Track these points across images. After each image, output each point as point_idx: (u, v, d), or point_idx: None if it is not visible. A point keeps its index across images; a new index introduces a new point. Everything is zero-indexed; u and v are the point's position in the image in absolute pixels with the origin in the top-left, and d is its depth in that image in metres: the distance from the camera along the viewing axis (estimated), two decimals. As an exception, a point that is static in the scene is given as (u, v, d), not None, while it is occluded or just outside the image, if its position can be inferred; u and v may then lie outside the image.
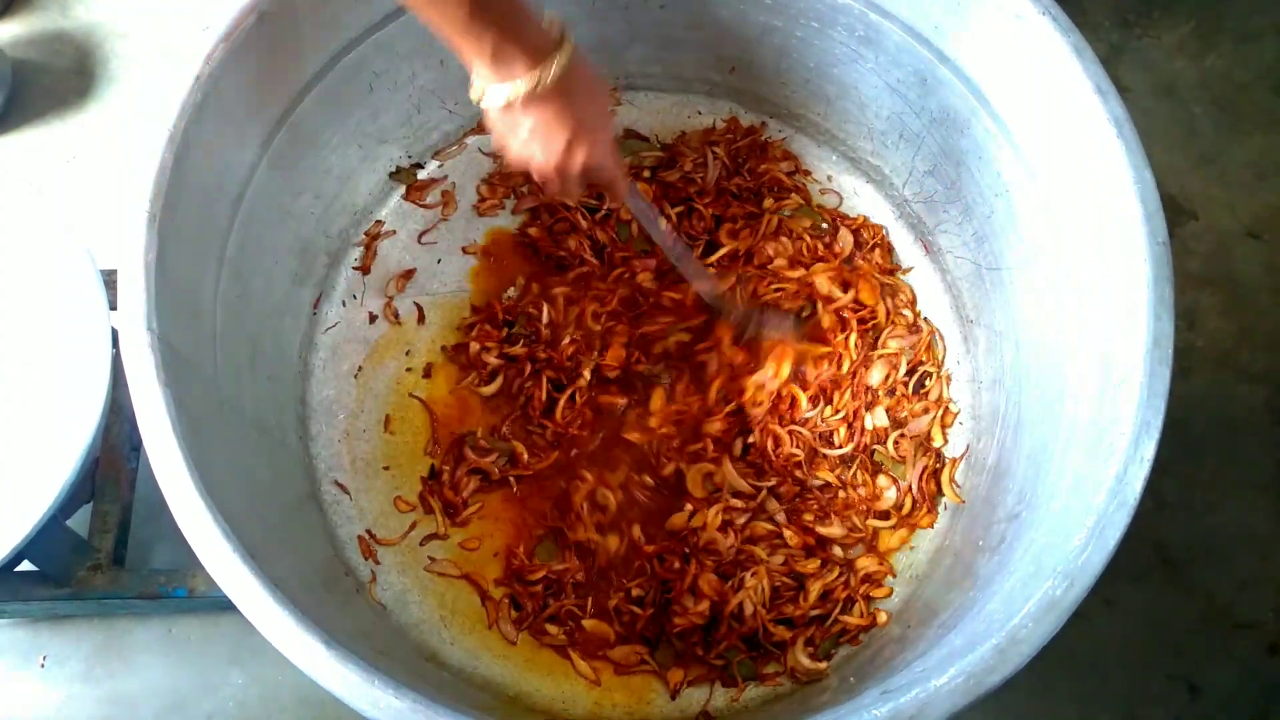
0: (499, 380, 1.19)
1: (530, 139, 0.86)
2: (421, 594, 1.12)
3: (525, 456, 1.15)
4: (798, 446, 1.15)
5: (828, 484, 1.15)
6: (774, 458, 1.15)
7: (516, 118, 0.84)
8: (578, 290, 1.23)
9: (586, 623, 1.09)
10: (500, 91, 0.82)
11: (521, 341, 1.20)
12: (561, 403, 1.16)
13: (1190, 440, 1.44)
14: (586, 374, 1.17)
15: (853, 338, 1.19)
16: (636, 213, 1.08)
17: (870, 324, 1.21)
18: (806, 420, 1.16)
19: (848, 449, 1.16)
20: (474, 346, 1.20)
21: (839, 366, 1.18)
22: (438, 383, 1.21)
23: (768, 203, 1.27)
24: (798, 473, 1.14)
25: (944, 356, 1.22)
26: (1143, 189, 0.89)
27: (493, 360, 1.19)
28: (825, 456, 1.16)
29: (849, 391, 1.18)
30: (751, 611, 1.08)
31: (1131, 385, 0.84)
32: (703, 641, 1.08)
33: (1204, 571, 1.38)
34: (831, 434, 1.16)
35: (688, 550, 1.11)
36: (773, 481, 1.14)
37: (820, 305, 1.21)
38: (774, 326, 1.19)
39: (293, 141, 1.07)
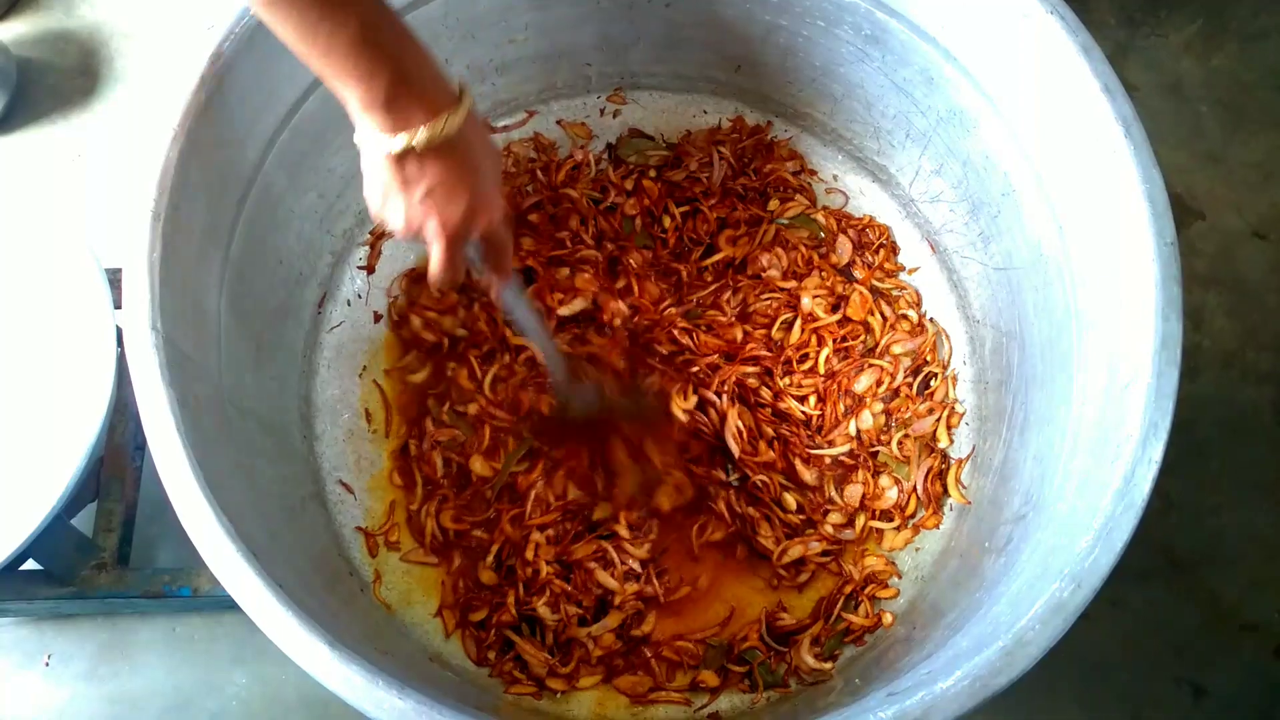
0: (427, 369, 1.19)
1: (427, 198, 0.75)
2: (425, 594, 1.11)
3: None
4: (775, 451, 1.15)
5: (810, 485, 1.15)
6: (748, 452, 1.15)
7: (411, 173, 0.74)
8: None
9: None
10: (396, 140, 0.71)
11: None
12: (488, 378, 1.16)
13: (1196, 441, 1.44)
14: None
15: (825, 352, 1.19)
16: (510, 304, 0.98)
17: (859, 339, 1.20)
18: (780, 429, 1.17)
19: (837, 451, 1.15)
20: (416, 321, 1.20)
21: (819, 377, 1.19)
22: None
23: (773, 204, 1.26)
24: (773, 475, 1.15)
25: (949, 357, 1.21)
26: (1150, 189, 0.88)
27: (429, 336, 1.20)
28: (808, 460, 1.15)
29: (830, 400, 1.17)
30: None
31: (1139, 386, 0.83)
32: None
33: (1210, 573, 1.38)
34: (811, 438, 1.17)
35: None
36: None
37: (800, 322, 1.20)
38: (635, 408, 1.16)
39: (297, 141, 1.07)
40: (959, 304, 1.23)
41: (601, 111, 1.32)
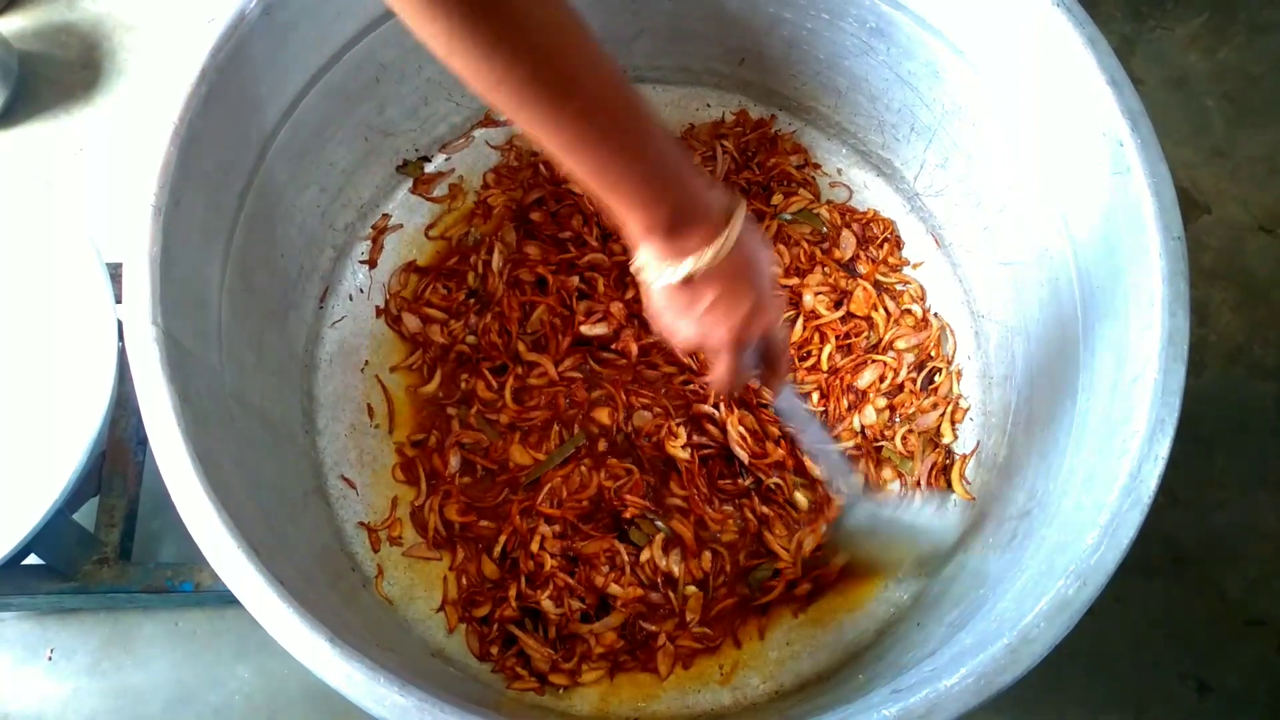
0: (436, 379, 1.18)
1: (711, 312, 0.74)
2: (428, 589, 1.11)
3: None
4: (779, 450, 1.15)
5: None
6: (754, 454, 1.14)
7: (696, 292, 0.73)
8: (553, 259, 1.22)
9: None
10: (679, 268, 0.71)
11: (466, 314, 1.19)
12: (508, 391, 1.15)
13: (1201, 436, 1.43)
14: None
15: (827, 349, 1.18)
16: (786, 404, 1.00)
17: (861, 335, 1.20)
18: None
19: (840, 447, 1.15)
20: (410, 320, 1.20)
21: (821, 374, 1.18)
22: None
23: (776, 199, 1.26)
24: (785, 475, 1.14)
25: (954, 352, 1.21)
26: (1157, 182, 0.88)
27: (439, 339, 1.19)
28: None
29: (832, 396, 1.17)
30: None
31: (1146, 382, 0.83)
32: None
33: (1215, 569, 1.37)
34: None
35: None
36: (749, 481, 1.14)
37: (801, 319, 1.20)
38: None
39: (298, 135, 1.07)
40: (964, 299, 1.22)
41: (605, 105, 1.31)
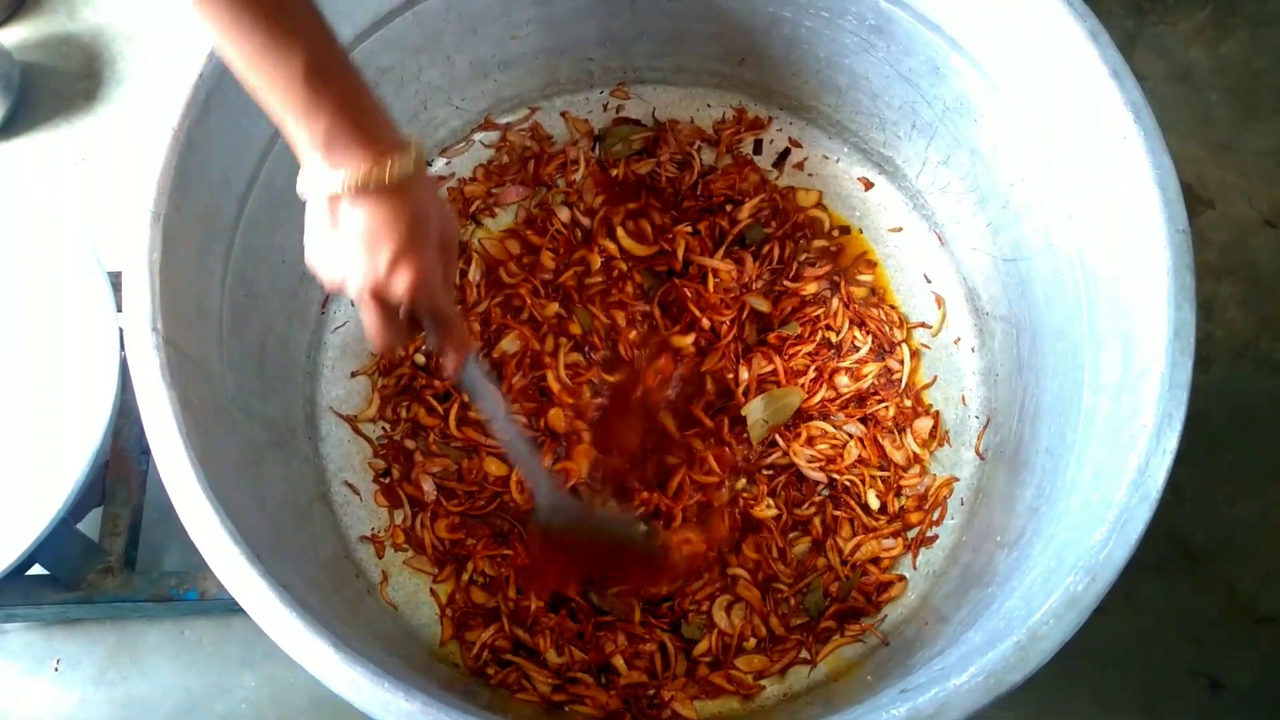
0: (373, 405, 1.17)
1: (350, 245, 0.71)
2: (432, 595, 1.11)
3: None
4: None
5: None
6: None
7: (338, 215, 0.70)
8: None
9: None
10: (327, 180, 0.69)
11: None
12: (453, 417, 1.13)
13: (1209, 432, 1.42)
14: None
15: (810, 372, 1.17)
16: (469, 385, 0.90)
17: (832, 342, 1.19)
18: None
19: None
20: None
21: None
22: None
23: (742, 212, 1.24)
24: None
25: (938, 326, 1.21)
26: (1161, 175, 0.87)
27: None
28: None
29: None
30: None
31: (1152, 376, 0.82)
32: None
33: (1225, 565, 1.36)
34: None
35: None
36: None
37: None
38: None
39: (298, 139, 1.07)
40: (968, 296, 1.22)
41: (605, 107, 1.31)
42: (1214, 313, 1.50)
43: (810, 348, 1.18)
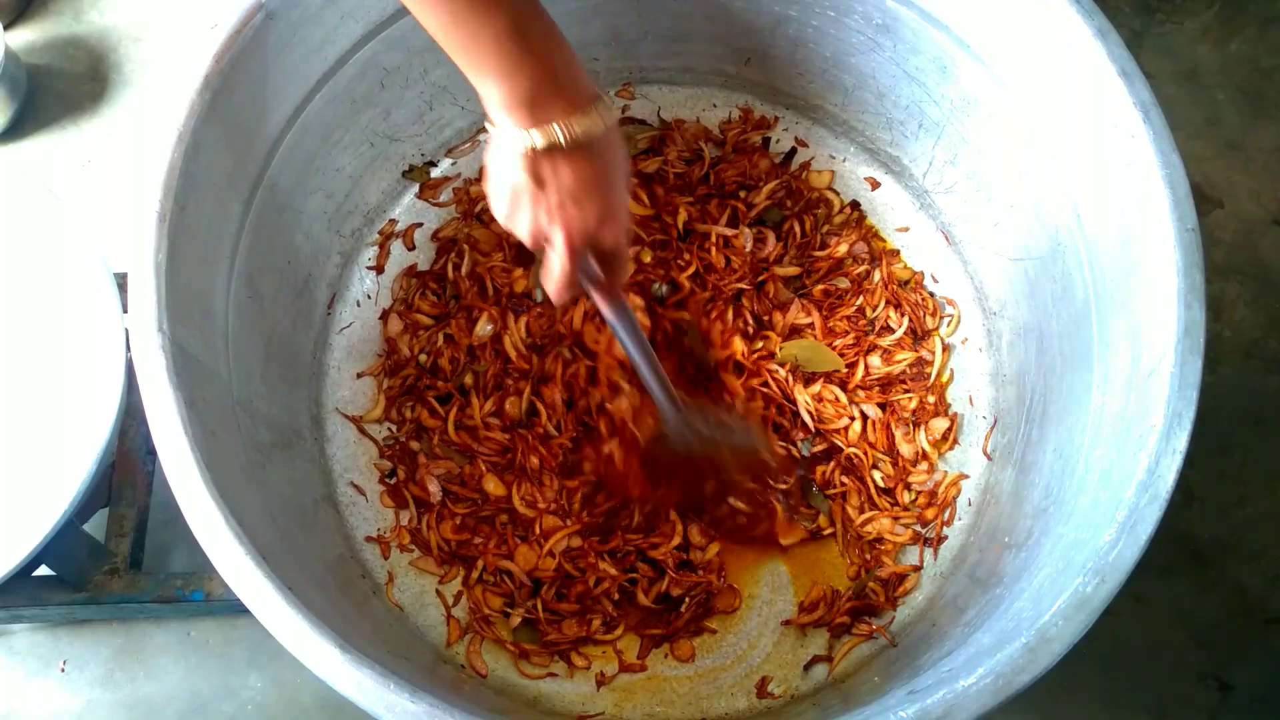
0: (379, 406, 1.17)
1: (560, 201, 0.72)
2: (438, 596, 1.10)
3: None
4: None
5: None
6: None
7: (547, 173, 0.71)
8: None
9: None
10: (529, 137, 0.68)
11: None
12: (451, 421, 1.14)
13: (1218, 432, 1.42)
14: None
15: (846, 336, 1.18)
16: (616, 322, 0.91)
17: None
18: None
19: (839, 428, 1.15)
20: (395, 323, 1.19)
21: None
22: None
23: (756, 197, 1.24)
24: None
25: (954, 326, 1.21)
26: (1170, 174, 0.87)
27: (405, 349, 1.18)
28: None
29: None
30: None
31: (1162, 376, 0.82)
32: None
33: (1234, 566, 1.36)
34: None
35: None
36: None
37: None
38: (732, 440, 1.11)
39: (303, 141, 1.07)
40: (975, 296, 1.21)
41: (610, 107, 1.31)
42: (1222, 312, 1.49)
43: (850, 311, 1.19)
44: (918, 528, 1.12)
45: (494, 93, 0.68)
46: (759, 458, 1.11)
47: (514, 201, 0.74)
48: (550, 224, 0.73)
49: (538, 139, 0.69)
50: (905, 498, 1.13)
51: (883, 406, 1.16)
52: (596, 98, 0.71)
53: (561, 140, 0.69)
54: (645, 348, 0.96)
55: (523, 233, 0.75)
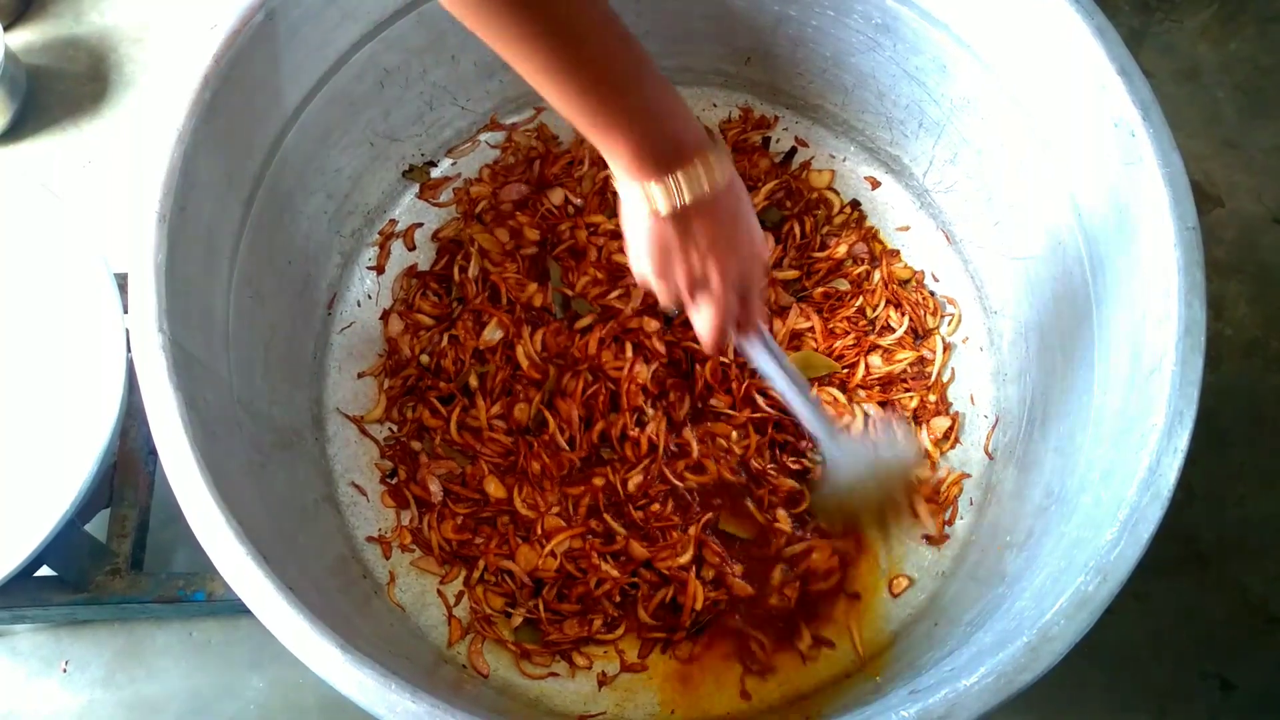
0: (380, 406, 1.17)
1: (710, 250, 0.71)
2: (440, 596, 1.10)
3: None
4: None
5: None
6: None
7: (693, 227, 0.70)
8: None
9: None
10: (674, 192, 0.68)
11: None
12: (454, 422, 1.14)
13: (1219, 431, 1.42)
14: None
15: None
16: (764, 348, 0.90)
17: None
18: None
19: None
20: (395, 324, 1.19)
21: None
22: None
23: (758, 196, 1.24)
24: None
25: (954, 325, 1.21)
26: (1170, 172, 0.87)
27: (405, 350, 1.18)
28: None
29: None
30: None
31: (1163, 374, 0.82)
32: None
33: (1236, 565, 1.36)
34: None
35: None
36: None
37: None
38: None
39: (303, 141, 1.07)
40: (976, 295, 1.21)
41: (610, 107, 1.31)
42: (1223, 311, 1.49)
43: (850, 312, 1.19)
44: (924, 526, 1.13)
45: (621, 159, 0.68)
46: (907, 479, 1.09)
47: (663, 257, 0.73)
48: (704, 272, 0.73)
49: (683, 193, 0.68)
50: None
51: (883, 405, 1.16)
52: (713, 138, 0.71)
53: (695, 195, 0.68)
54: (797, 376, 0.95)
55: (679, 284, 0.75)
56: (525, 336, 1.16)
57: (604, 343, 1.15)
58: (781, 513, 1.11)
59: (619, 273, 1.19)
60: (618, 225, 1.19)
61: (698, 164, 0.68)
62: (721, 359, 1.13)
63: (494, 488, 1.11)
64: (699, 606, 1.06)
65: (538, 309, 1.18)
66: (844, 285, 1.21)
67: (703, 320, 0.77)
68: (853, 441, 1.05)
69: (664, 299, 0.76)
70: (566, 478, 1.12)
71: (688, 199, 0.69)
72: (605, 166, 1.24)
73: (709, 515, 1.10)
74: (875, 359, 1.17)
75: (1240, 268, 1.52)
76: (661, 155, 0.68)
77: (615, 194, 1.20)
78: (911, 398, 1.16)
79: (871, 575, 1.11)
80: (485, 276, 1.20)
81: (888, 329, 1.19)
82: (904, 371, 1.17)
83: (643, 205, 0.70)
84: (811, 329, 1.18)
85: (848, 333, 1.18)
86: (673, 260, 0.73)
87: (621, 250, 1.17)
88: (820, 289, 1.20)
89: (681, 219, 0.70)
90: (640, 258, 0.75)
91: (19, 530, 0.99)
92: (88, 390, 1.04)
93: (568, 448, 1.12)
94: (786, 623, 1.08)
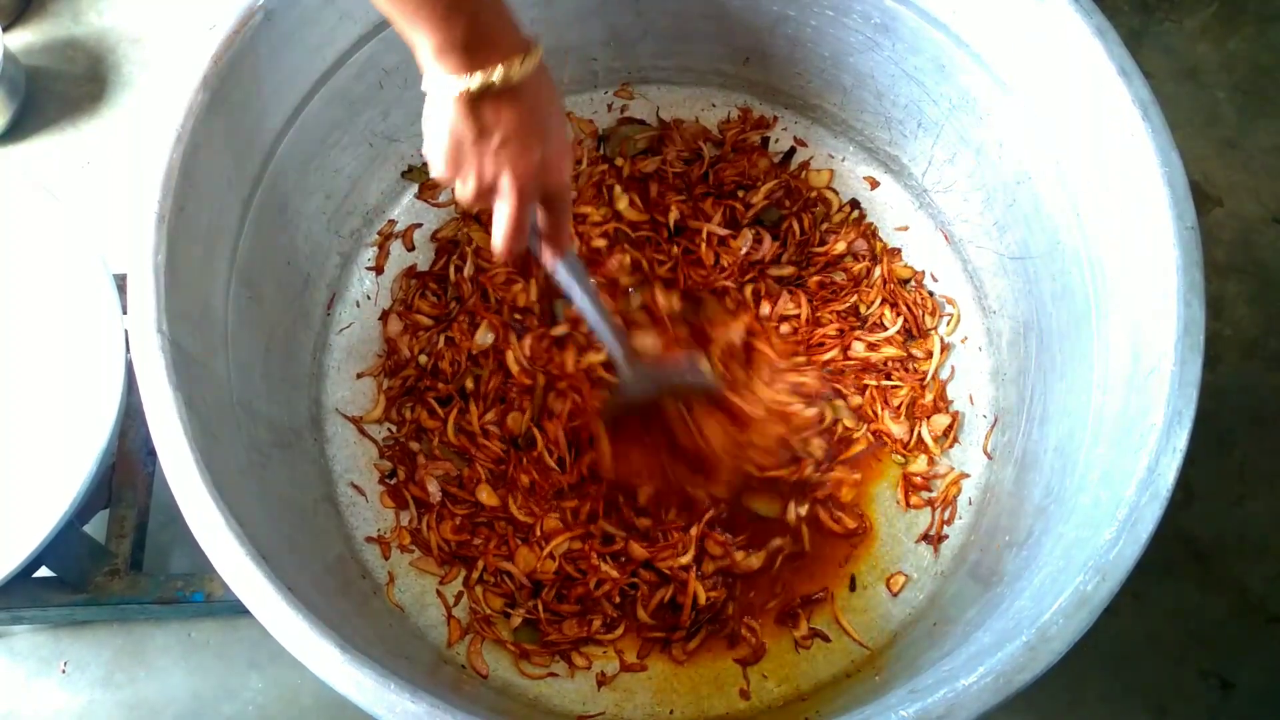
0: (379, 406, 1.17)
1: (502, 148, 0.72)
2: (439, 596, 1.10)
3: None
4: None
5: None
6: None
7: (487, 119, 0.70)
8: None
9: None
10: (473, 79, 0.68)
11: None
12: (451, 423, 1.14)
13: (1218, 431, 1.42)
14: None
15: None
16: (567, 278, 0.92)
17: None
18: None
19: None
20: (394, 324, 1.19)
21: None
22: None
23: (754, 196, 1.24)
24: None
25: (953, 325, 1.21)
26: (1170, 172, 0.87)
27: (404, 350, 1.18)
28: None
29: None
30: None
31: (1162, 374, 0.82)
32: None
33: (1235, 564, 1.36)
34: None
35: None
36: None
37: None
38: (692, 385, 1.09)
39: (302, 141, 1.07)
40: (975, 295, 1.21)
41: (609, 107, 1.31)
42: (1222, 311, 1.49)
43: (842, 307, 1.19)
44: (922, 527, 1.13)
45: (428, 41, 0.68)
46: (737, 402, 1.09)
47: (456, 152, 0.73)
48: (496, 169, 0.73)
49: (476, 83, 0.69)
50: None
51: (863, 390, 1.17)
52: (530, 43, 0.71)
53: (499, 82, 0.68)
54: (596, 299, 0.96)
55: (468, 183, 0.75)
56: (514, 343, 1.16)
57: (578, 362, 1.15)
58: (817, 441, 1.13)
59: (596, 259, 1.20)
60: (604, 215, 1.21)
61: (504, 62, 0.69)
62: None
63: (486, 495, 1.11)
64: (701, 604, 1.06)
65: (522, 309, 1.18)
66: (841, 278, 1.21)
67: (496, 223, 0.77)
68: (646, 367, 1.05)
69: (461, 198, 0.76)
70: (560, 494, 1.12)
71: (486, 89, 0.69)
72: (602, 164, 1.25)
73: (712, 513, 1.09)
74: (858, 346, 1.18)
75: (1239, 267, 1.52)
76: (466, 49, 0.68)
77: (607, 186, 1.22)
78: (901, 387, 1.16)
79: (868, 561, 1.12)
80: (478, 277, 1.21)
81: (879, 327, 1.19)
82: (885, 361, 1.17)
83: (442, 96, 0.70)
84: (798, 315, 1.18)
85: (831, 322, 1.18)
86: (465, 155, 0.73)
87: (601, 235, 1.19)
88: (816, 277, 1.20)
89: (476, 113, 0.70)
90: (433, 150, 0.74)
91: (18, 531, 0.99)
92: (87, 391, 1.04)
93: (558, 469, 1.12)
94: (784, 607, 1.09)
